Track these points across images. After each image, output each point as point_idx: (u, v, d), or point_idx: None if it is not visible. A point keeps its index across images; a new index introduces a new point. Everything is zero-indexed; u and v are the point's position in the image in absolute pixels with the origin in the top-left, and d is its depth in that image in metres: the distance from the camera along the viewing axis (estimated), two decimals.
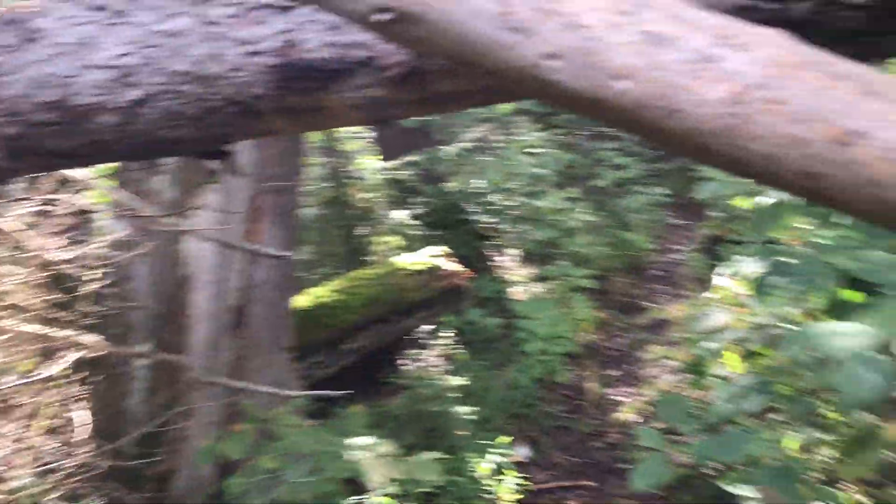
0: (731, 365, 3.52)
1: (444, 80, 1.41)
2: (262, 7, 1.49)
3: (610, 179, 9.04)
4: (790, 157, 0.79)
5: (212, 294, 3.45)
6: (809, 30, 1.22)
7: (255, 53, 1.47)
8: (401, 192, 7.21)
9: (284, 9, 1.44)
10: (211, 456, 3.05)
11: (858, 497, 3.55)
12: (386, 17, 0.76)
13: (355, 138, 9.50)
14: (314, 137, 6.88)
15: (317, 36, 1.42)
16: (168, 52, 1.54)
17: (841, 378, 1.46)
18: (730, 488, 2.41)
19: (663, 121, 0.79)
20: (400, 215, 6.73)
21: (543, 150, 7.40)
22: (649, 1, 0.79)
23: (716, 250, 7.17)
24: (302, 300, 4.78)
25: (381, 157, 7.60)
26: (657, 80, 0.78)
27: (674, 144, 0.82)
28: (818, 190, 0.81)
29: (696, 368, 3.05)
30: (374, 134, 8.26)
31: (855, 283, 1.81)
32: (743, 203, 3.86)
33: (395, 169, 7.00)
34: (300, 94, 1.50)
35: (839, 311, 1.83)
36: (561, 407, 5.37)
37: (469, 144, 7.12)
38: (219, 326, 3.46)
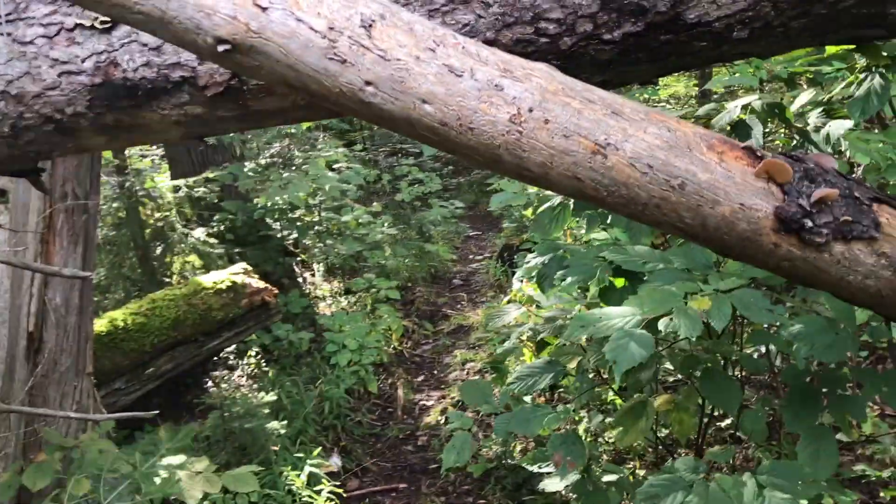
0: (528, 359, 3.86)
1: (262, 99, 1.52)
2: (76, 28, 1.52)
3: (410, 194, 9.37)
4: (560, 165, 1.00)
5: (4, 320, 3.25)
6: (574, 59, 1.48)
7: (73, 73, 1.50)
8: (199, 210, 7.05)
9: (104, 30, 1.48)
10: (11, 490, 2.88)
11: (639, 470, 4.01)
12: (226, 48, 0.88)
13: (145, 156, 9.13)
14: (106, 155, 6.57)
15: (137, 56, 1.48)
16: None
17: (611, 350, 1.73)
18: (532, 468, 2.68)
19: (462, 137, 0.97)
20: (199, 233, 6.58)
21: (346, 166, 7.54)
22: (446, 40, 0.97)
23: (510, 258, 7.69)
24: (99, 324, 4.57)
25: (172, 174, 7.38)
26: (456, 104, 0.96)
27: (472, 157, 1.00)
28: (583, 191, 1.03)
29: (496, 366, 3.31)
30: (164, 151, 8.01)
31: (621, 272, 2.13)
32: (530, 213, 4.22)
33: (191, 186, 6.82)
34: (119, 111, 1.55)
35: (609, 296, 2.14)
36: (372, 415, 5.52)
37: (270, 160, 7.11)
38: (13, 354, 3.27)
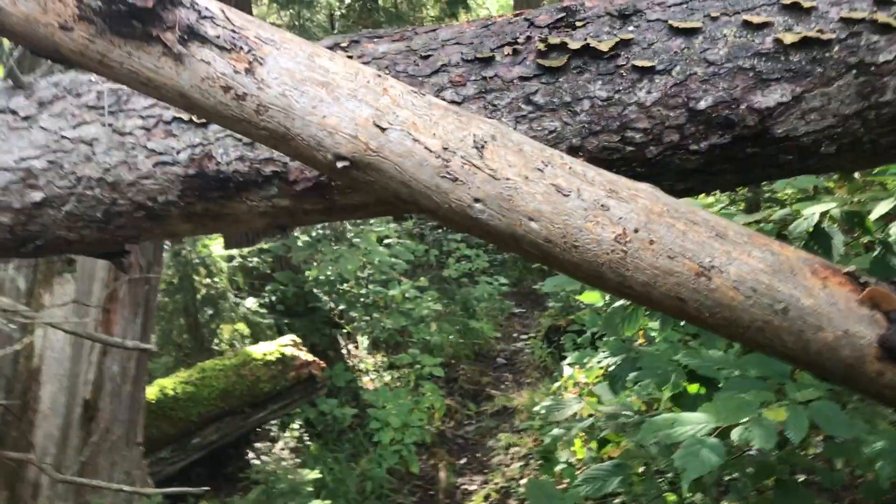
0: (578, 452, 3.77)
1: (348, 195, 1.55)
2: (174, 121, 1.58)
3: (457, 270, 9.40)
4: (663, 285, 1.00)
5: (63, 387, 3.30)
6: (658, 167, 1.50)
7: (168, 163, 1.55)
8: (251, 279, 7.16)
9: (200, 124, 1.54)
10: None
11: None
12: (345, 164, 0.91)
13: None
14: None
15: (231, 150, 1.53)
16: (77, 158, 1.59)
17: (682, 456, 1.69)
18: None
19: (566, 254, 0.98)
20: (250, 303, 6.67)
21: (396, 241, 7.62)
22: (553, 160, 0.99)
23: (557, 339, 7.61)
24: (148, 392, 4.61)
25: (225, 243, 7.54)
26: (562, 222, 0.97)
27: (575, 273, 1.01)
28: (685, 311, 1.02)
29: (545, 455, 3.25)
30: None
31: (695, 377, 2.09)
32: (586, 298, 4.17)
33: (245, 256, 6.95)
34: (209, 201, 1.59)
35: (681, 401, 2.10)
36: (413, 498, 5.42)
37: (322, 232, 7.22)
38: (69, 421, 3.30)
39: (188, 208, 1.62)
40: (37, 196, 1.62)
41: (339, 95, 0.90)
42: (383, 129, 0.90)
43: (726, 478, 3.73)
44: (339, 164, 0.90)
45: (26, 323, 3.13)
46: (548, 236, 0.97)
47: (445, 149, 0.93)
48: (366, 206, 1.60)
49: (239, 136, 1.56)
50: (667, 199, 1.02)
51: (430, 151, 0.92)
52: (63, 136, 1.62)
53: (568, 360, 4.53)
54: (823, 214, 2.01)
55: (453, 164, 0.93)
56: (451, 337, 8.14)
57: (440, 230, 11.68)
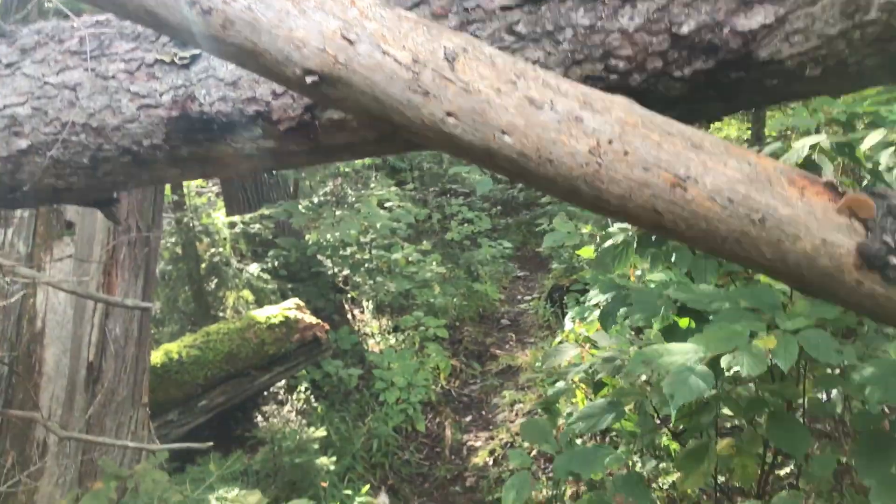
0: (581, 404, 3.80)
1: (332, 134, 1.55)
2: (156, 63, 1.58)
3: (460, 233, 9.40)
4: (639, 197, 1.00)
5: (66, 349, 3.33)
6: (643, 96, 1.48)
7: (151, 106, 1.55)
8: (253, 246, 7.18)
9: (183, 66, 1.53)
10: None
11: None
12: (314, 79, 0.90)
13: (201, 193, 9.34)
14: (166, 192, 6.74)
15: (214, 90, 1.53)
16: (61, 104, 1.59)
17: (669, 384, 1.70)
18: None
19: (541, 168, 0.98)
20: (253, 269, 6.69)
21: (397, 205, 7.61)
22: (527, 72, 0.98)
23: (560, 299, 7.63)
24: (154, 356, 4.66)
25: (227, 210, 7.55)
26: (535, 136, 0.97)
27: (551, 188, 1.01)
28: (662, 224, 1.02)
29: (548, 407, 3.27)
30: (220, 188, 8.20)
31: (685, 311, 2.09)
32: (584, 253, 4.18)
33: (247, 222, 6.96)
34: (194, 144, 1.59)
35: (672, 336, 2.10)
36: (420, 454, 5.48)
37: (323, 198, 7.22)
38: (73, 383, 3.34)
39: (174, 152, 1.62)
40: (22, 143, 1.62)
41: (305, 8, 0.89)
42: (351, 42, 0.90)
43: (728, 424, 3.76)
44: (309, 80, 0.90)
45: (27, 284, 3.15)
46: (522, 150, 0.97)
47: (415, 61, 0.92)
48: (352, 146, 1.60)
49: (221, 76, 1.55)
50: (642, 111, 1.02)
51: (400, 64, 0.92)
52: (46, 83, 1.62)
53: (569, 315, 4.55)
54: (813, 147, 2.00)
55: (424, 78, 0.93)
56: (454, 299, 8.18)
57: (443, 195, 11.65)
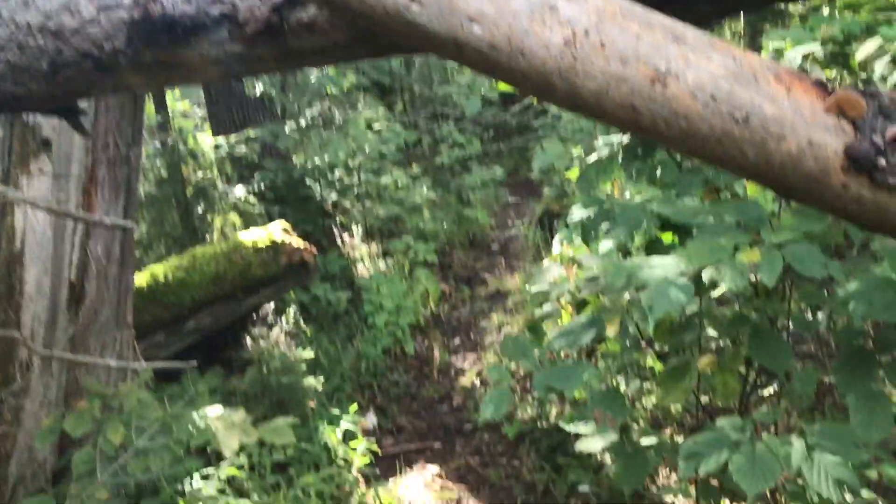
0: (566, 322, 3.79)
1: (301, 37, 1.47)
2: None
3: (450, 157, 9.29)
4: (616, 94, 0.94)
5: (47, 269, 3.29)
6: None
7: (111, 7, 1.47)
8: (239, 169, 7.08)
9: None
10: (52, 435, 2.93)
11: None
12: None
13: (187, 115, 9.17)
14: (148, 113, 6.61)
15: None
16: (15, 4, 1.50)
17: (649, 296, 1.67)
18: (569, 428, 2.64)
19: (513, 61, 0.92)
20: (239, 191, 6.61)
21: (385, 127, 7.49)
22: None
23: (550, 225, 7.60)
24: (140, 278, 4.63)
25: (213, 132, 7.40)
26: (507, 25, 0.90)
27: (523, 83, 0.95)
28: (640, 123, 0.97)
29: (533, 328, 3.27)
30: (206, 111, 8.02)
31: (669, 226, 2.06)
32: (573, 175, 4.11)
33: (232, 144, 6.84)
34: (158, 49, 1.51)
35: (655, 252, 2.07)
36: (408, 375, 5.53)
37: (310, 119, 7.08)
38: (56, 303, 3.31)
39: (137, 57, 1.54)
40: None
41: None
42: None
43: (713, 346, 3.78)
44: None
45: (4, 203, 3.09)
46: (492, 42, 0.91)
47: None
48: (322, 50, 1.52)
49: None
50: (621, 0, 0.95)
51: None
52: None
53: (557, 237, 4.52)
54: (806, 56, 1.93)
55: None
56: (444, 225, 8.14)
57: (433, 118, 11.48)
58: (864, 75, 2.06)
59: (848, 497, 1.78)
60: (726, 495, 2.88)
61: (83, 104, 1.80)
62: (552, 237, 7.25)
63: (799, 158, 0.98)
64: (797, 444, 1.72)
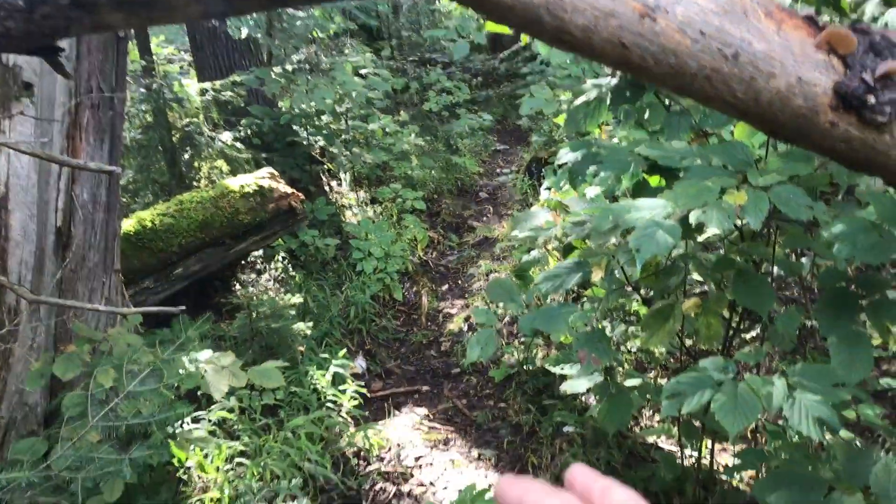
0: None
1: None
2: None
3: (438, 103, 9.21)
4: (605, 29, 0.93)
5: (32, 214, 3.26)
6: None
7: None
8: (226, 115, 7.00)
9: None
10: (42, 379, 2.95)
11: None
12: None
13: (172, 61, 9.00)
14: (133, 58, 6.49)
15: None
16: None
17: (636, 238, 1.68)
18: (555, 369, 2.67)
19: None
20: (226, 137, 6.53)
21: (373, 72, 7.39)
22: None
23: (538, 172, 7.59)
24: (127, 225, 4.60)
25: (199, 78, 7.29)
26: None
27: (509, 18, 0.93)
28: (628, 60, 0.96)
29: (520, 274, 3.28)
30: (191, 57, 7.88)
31: (656, 169, 2.06)
32: (561, 120, 4.09)
33: (218, 90, 6.74)
34: None
35: (642, 194, 2.08)
36: (397, 321, 5.57)
37: (297, 64, 6.98)
38: (42, 248, 3.29)
39: None
40: None
41: None
42: None
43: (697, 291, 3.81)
44: None
45: None
46: None
47: None
48: None
49: None
50: None
51: None
52: None
53: (545, 185, 4.52)
54: None
55: None
56: (433, 172, 8.11)
57: (422, 65, 11.33)
58: (854, 17, 2.04)
59: (827, 436, 1.82)
60: (708, 436, 2.95)
61: (63, 44, 1.76)
62: (540, 185, 7.25)
63: (788, 96, 0.98)
64: (779, 384, 1.75)
